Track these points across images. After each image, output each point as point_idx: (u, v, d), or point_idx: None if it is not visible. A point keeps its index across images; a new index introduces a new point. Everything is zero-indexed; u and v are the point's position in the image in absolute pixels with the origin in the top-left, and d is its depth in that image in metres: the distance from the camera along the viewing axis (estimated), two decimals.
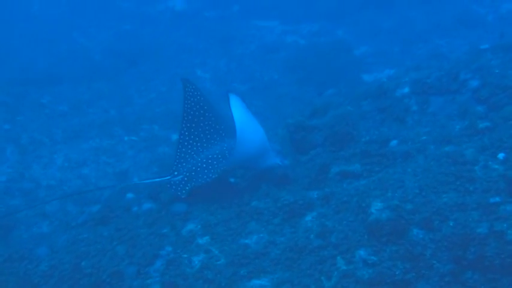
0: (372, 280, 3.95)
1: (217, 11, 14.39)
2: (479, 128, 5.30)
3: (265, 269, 4.32)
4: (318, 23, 13.25)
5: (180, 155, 5.63)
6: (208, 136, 5.71)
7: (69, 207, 6.65)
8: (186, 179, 5.43)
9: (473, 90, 6.02)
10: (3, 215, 6.37)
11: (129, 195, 6.04)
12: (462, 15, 12.12)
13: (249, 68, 11.60)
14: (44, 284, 4.81)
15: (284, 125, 6.80)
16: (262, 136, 5.29)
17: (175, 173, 5.53)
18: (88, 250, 5.03)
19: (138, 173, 7.56)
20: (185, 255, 4.66)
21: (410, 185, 4.65)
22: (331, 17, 13.29)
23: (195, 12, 14.37)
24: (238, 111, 4.90)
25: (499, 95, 5.75)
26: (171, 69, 11.60)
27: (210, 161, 5.44)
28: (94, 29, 13.81)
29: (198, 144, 5.66)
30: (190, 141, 5.67)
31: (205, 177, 5.36)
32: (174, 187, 5.45)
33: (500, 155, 4.65)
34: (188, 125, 5.67)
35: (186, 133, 5.67)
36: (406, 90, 6.46)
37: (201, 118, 5.69)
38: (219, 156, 5.44)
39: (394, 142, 5.70)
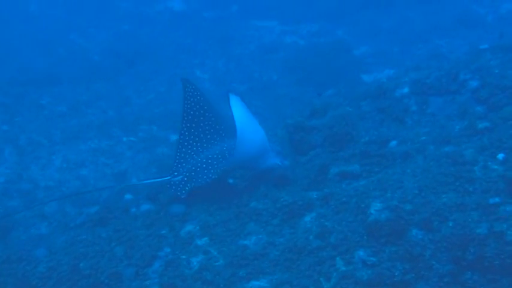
0: (371, 281, 3.94)
1: (216, 11, 14.37)
2: (478, 129, 5.29)
3: (264, 270, 4.31)
4: (317, 23, 13.23)
5: (180, 155, 5.62)
6: (208, 136, 5.70)
7: (67, 209, 6.62)
8: (186, 179, 5.43)
9: (473, 90, 6.02)
10: (2, 216, 6.35)
11: (127, 196, 6.03)
12: (462, 16, 12.12)
13: (248, 68, 11.58)
14: (42, 286, 4.79)
15: (283, 126, 6.79)
16: (262, 136, 5.29)
17: (175, 173, 5.52)
18: (86, 251, 5.02)
19: (137, 173, 7.54)
20: (184, 257, 4.65)
21: (409, 186, 4.63)
22: (330, 17, 13.27)
23: (193, 13, 14.34)
24: (238, 111, 4.89)
25: (499, 95, 5.75)
26: (169, 70, 11.58)
27: (210, 161, 5.43)
28: (92, 30, 13.79)
29: (198, 144, 5.66)
30: (190, 142, 5.66)
31: (205, 177, 5.35)
32: (174, 187, 5.44)
33: (500, 156, 4.64)
34: (188, 125, 5.66)
35: (186, 133, 5.66)
36: (406, 90, 6.46)
37: (201, 118, 5.68)
38: (219, 156, 5.43)
39: (393, 142, 5.69)
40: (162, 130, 8.66)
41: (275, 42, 12.58)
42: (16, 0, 14.90)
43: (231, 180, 5.85)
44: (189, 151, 5.63)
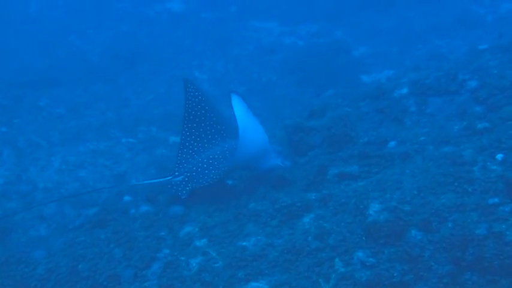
0: (370, 282, 3.93)
1: (215, 12, 14.37)
2: (477, 129, 5.28)
3: (263, 271, 4.30)
4: (316, 24, 13.22)
5: (181, 155, 5.62)
6: (210, 136, 5.69)
7: (66, 210, 6.62)
8: (186, 179, 5.42)
9: (472, 90, 6.01)
10: (0, 217, 6.34)
11: (126, 198, 6.02)
12: (461, 16, 12.12)
13: (247, 69, 11.58)
14: None
15: (282, 127, 6.78)
16: (263, 136, 5.27)
17: (176, 173, 5.51)
18: (85, 253, 5.01)
19: (136, 175, 7.54)
20: (182, 258, 4.64)
21: (408, 186, 4.62)
22: (329, 18, 13.27)
23: (192, 14, 14.35)
24: (240, 111, 4.87)
25: (498, 95, 5.74)
26: (168, 71, 11.57)
27: (211, 161, 5.42)
28: (91, 31, 13.79)
29: (199, 144, 5.65)
30: (192, 142, 5.65)
31: (206, 177, 5.34)
32: (175, 187, 5.44)
33: (499, 156, 4.62)
34: (189, 125, 5.65)
35: (187, 133, 5.66)
36: (405, 90, 6.45)
37: (202, 118, 5.67)
38: (220, 156, 5.43)
39: (392, 143, 5.67)
40: (162, 131, 8.66)
41: (274, 43, 12.57)
42: (15, 2, 14.91)
43: (229, 182, 5.84)
44: (190, 151, 5.62)
